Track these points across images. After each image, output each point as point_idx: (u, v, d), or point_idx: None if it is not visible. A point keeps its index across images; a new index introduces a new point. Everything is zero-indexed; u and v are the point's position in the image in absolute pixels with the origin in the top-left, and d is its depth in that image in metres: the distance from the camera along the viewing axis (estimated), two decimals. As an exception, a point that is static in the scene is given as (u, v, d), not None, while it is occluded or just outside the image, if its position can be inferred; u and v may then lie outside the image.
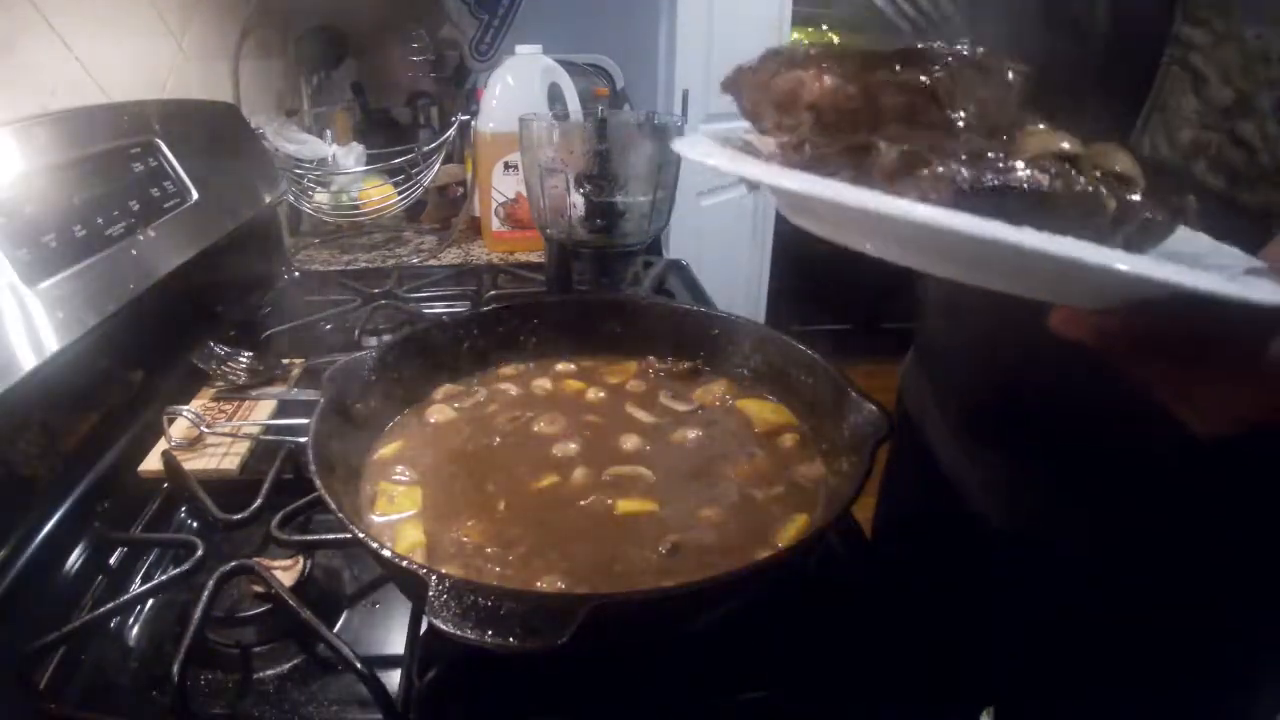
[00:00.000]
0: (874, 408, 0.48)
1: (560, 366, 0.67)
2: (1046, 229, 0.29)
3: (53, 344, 0.58)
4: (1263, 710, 0.55)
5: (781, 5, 2.35)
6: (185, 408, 0.68)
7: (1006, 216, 0.29)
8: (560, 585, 0.42)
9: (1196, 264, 0.36)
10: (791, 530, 0.47)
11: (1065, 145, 0.35)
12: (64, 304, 0.60)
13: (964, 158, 0.32)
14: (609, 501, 0.50)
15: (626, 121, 0.96)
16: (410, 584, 0.42)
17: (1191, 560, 0.51)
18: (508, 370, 0.65)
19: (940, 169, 0.31)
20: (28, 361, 0.55)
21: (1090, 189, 0.32)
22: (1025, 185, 0.31)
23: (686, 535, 0.46)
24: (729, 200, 2.26)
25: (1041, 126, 0.36)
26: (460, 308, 1.00)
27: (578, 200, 0.88)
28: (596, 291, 0.92)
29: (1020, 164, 0.32)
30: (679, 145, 0.36)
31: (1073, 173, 0.33)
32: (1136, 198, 0.34)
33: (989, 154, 0.33)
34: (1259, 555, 0.50)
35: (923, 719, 0.45)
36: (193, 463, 0.63)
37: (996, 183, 0.31)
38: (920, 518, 0.73)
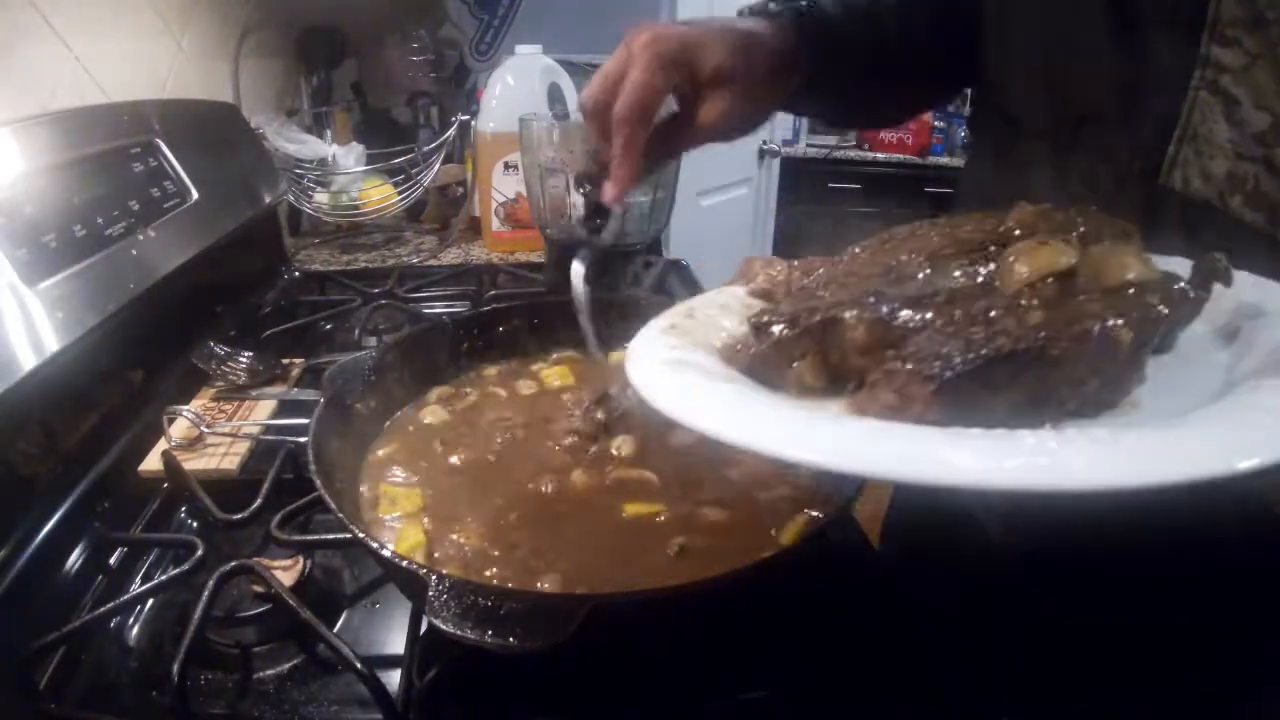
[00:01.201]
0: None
1: (560, 367, 0.67)
2: (1060, 388, 0.26)
3: (53, 344, 0.58)
4: (1267, 711, 0.55)
5: (781, 5, 2.34)
6: (185, 408, 0.68)
7: (1009, 390, 0.26)
8: (558, 586, 0.42)
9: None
10: (792, 530, 0.47)
11: (1060, 260, 0.30)
12: (64, 304, 0.60)
13: (938, 318, 0.28)
14: (609, 504, 0.50)
15: (626, 121, 0.96)
16: (410, 584, 0.42)
17: (1193, 562, 0.51)
18: (508, 370, 0.65)
19: (916, 358, 0.27)
20: (28, 361, 0.55)
21: (1097, 328, 0.27)
22: (1018, 351, 0.26)
23: (690, 538, 0.46)
24: (729, 200, 2.26)
25: (1037, 241, 0.31)
26: (460, 308, 1.00)
27: (578, 200, 0.88)
28: (597, 291, 0.91)
29: (1010, 320, 0.28)
30: (631, 372, 0.31)
31: (1074, 309, 0.28)
32: (1160, 309, 0.29)
33: (964, 294, 0.29)
34: (1262, 555, 0.50)
35: (922, 719, 0.45)
36: (193, 463, 0.63)
37: (978, 364, 0.26)
38: (927, 521, 0.73)
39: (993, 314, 0.28)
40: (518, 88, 1.16)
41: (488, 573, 0.43)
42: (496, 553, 0.45)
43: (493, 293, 1.04)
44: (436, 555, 0.45)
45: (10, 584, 0.51)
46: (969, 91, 0.68)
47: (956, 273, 0.31)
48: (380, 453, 0.55)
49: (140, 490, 0.61)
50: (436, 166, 1.31)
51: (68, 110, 0.75)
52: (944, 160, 2.84)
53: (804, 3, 0.57)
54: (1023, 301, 0.29)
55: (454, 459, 0.54)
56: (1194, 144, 0.42)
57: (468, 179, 1.35)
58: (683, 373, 0.32)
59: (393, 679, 0.43)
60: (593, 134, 0.51)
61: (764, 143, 2.39)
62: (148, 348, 0.75)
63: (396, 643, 0.47)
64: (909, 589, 0.55)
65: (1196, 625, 0.52)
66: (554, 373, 0.65)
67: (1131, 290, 0.29)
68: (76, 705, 0.44)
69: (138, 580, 0.54)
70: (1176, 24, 0.42)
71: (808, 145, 2.95)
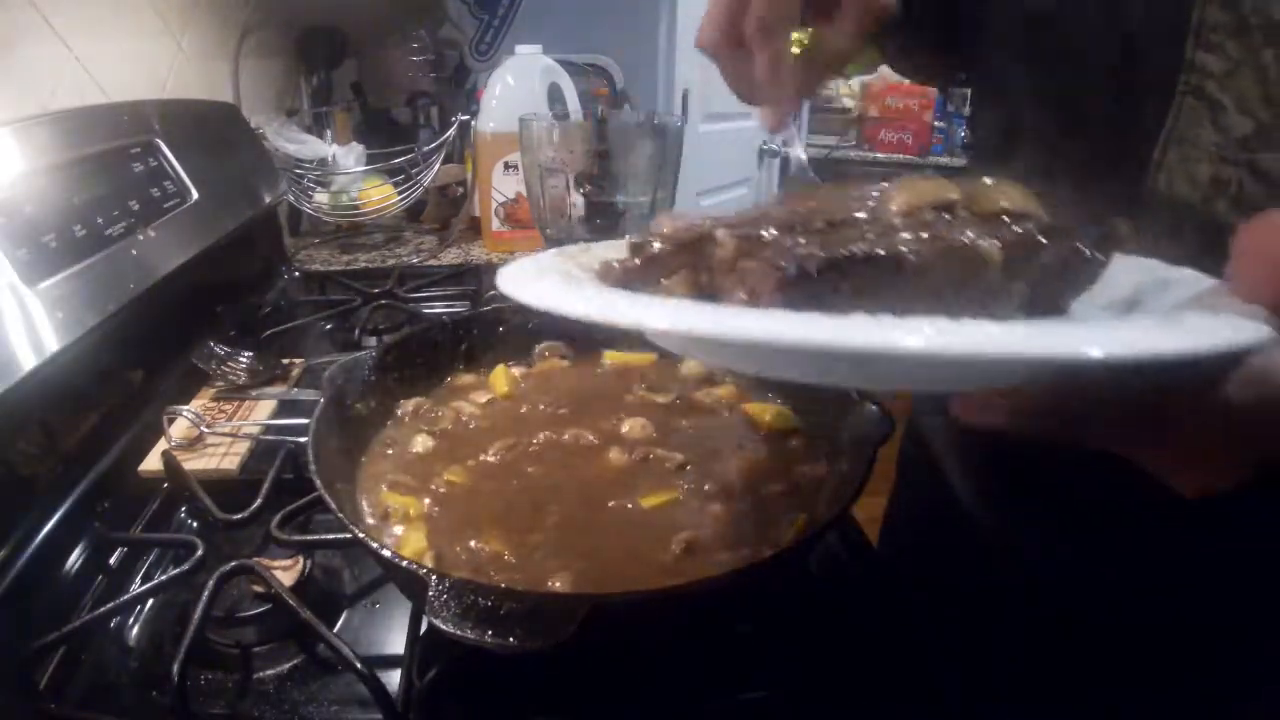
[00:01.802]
0: (875, 408, 0.48)
1: (560, 368, 0.67)
2: (919, 303, 0.25)
3: (53, 344, 0.58)
4: (1267, 712, 0.55)
5: (781, 5, 2.34)
6: (185, 408, 0.68)
7: (863, 298, 0.24)
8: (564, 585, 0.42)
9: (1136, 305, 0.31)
10: (791, 531, 0.47)
11: (945, 194, 0.30)
12: (64, 304, 0.60)
13: (807, 236, 0.27)
14: (612, 502, 0.50)
15: (626, 121, 0.96)
16: (410, 584, 0.42)
17: (1195, 566, 0.51)
18: (506, 370, 0.65)
19: (768, 256, 0.26)
20: (28, 361, 0.55)
21: (964, 241, 0.26)
22: (874, 255, 0.25)
23: (694, 535, 0.46)
24: (729, 200, 2.26)
25: (922, 177, 0.31)
26: (460, 308, 1.00)
27: (578, 200, 0.88)
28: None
29: (871, 233, 0.27)
30: (502, 281, 0.31)
31: (943, 226, 0.28)
32: (1036, 235, 0.28)
33: (843, 221, 0.28)
34: (1261, 557, 0.50)
35: (922, 719, 0.45)
36: (193, 463, 0.63)
37: (830, 260, 0.25)
38: (927, 520, 0.73)
39: (862, 231, 0.28)
40: (518, 88, 1.16)
41: (496, 574, 0.43)
42: (505, 553, 0.45)
43: (493, 293, 1.04)
44: (439, 555, 0.45)
45: (10, 584, 0.51)
46: (968, 92, 0.67)
47: (844, 208, 0.31)
48: (381, 452, 0.55)
49: (140, 490, 0.61)
50: (436, 166, 1.31)
51: (68, 110, 0.75)
52: (944, 160, 2.84)
53: None
54: (895, 222, 0.28)
55: (454, 458, 0.54)
56: (1180, 148, 0.43)
57: (468, 179, 1.35)
58: (547, 274, 0.32)
59: (393, 679, 0.43)
60: (726, 71, 0.46)
61: (764, 143, 2.39)
62: (148, 348, 0.75)
63: (396, 643, 0.47)
64: (909, 589, 0.56)
65: (1196, 625, 0.52)
66: (561, 372, 0.66)
67: (1009, 218, 0.29)
68: (76, 705, 0.44)
69: (138, 580, 0.54)
70: (1161, 28, 0.43)
71: (808, 145, 2.95)
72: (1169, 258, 0.36)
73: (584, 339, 0.68)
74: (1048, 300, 0.31)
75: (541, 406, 0.60)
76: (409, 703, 0.42)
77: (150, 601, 0.51)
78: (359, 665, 0.42)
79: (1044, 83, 0.52)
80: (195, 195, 0.85)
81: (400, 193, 1.29)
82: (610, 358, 0.68)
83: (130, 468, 0.64)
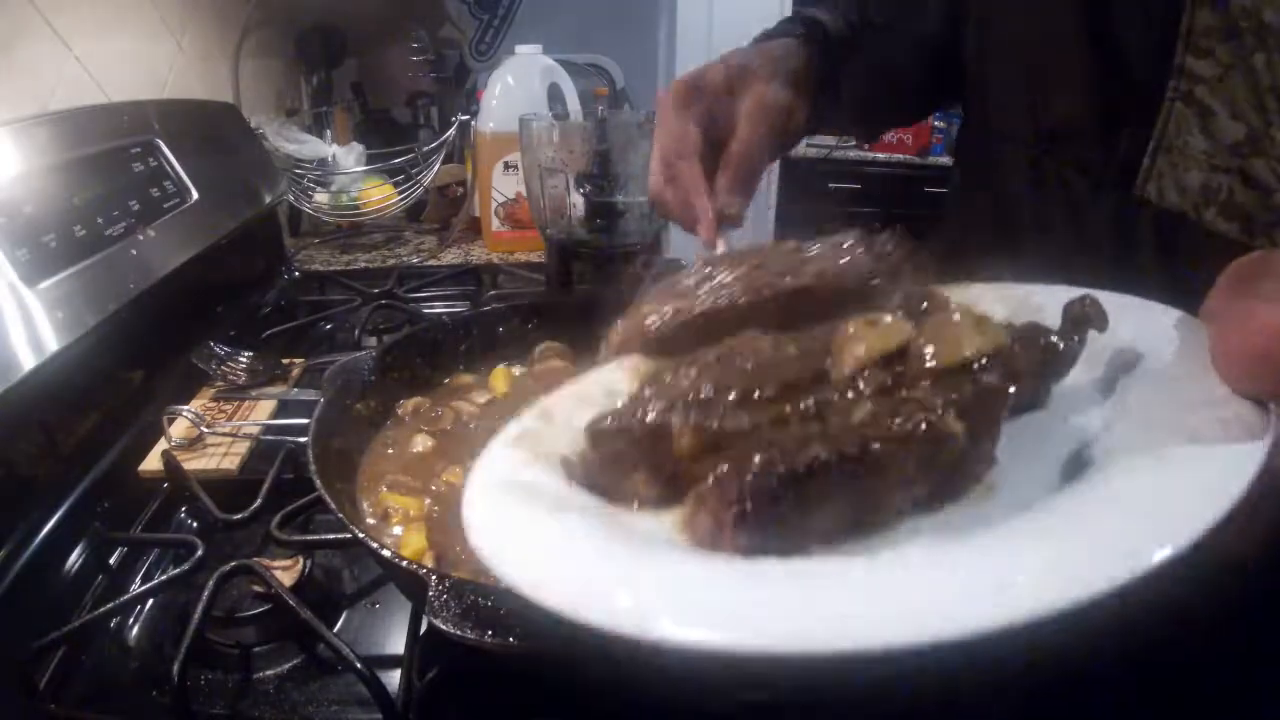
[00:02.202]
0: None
1: (559, 368, 0.67)
2: (886, 492, 0.24)
3: (53, 344, 0.58)
4: (1268, 713, 0.55)
5: (781, 5, 2.35)
6: (185, 408, 0.68)
7: (829, 499, 0.24)
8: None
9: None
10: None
11: (896, 339, 0.27)
12: (64, 304, 0.60)
13: (768, 433, 0.25)
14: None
15: (626, 121, 0.96)
16: (410, 584, 0.42)
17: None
18: (506, 370, 0.65)
19: (723, 489, 0.24)
20: (28, 361, 0.55)
21: (923, 422, 0.25)
22: (833, 461, 0.24)
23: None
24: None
25: (856, 333, 0.28)
26: (460, 308, 1.00)
27: (578, 200, 0.88)
28: (597, 291, 0.91)
29: (835, 419, 0.25)
30: (464, 503, 0.29)
31: (902, 402, 0.26)
32: (1003, 385, 0.26)
33: (792, 384, 0.27)
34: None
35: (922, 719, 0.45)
36: (193, 463, 0.63)
37: (785, 479, 0.23)
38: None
39: (819, 411, 0.26)
40: (518, 88, 1.16)
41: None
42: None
43: (493, 293, 1.04)
44: (443, 558, 0.45)
45: (10, 584, 0.51)
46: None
47: (793, 350, 0.29)
48: (380, 452, 0.55)
49: (140, 490, 0.61)
50: (436, 166, 1.31)
51: (68, 110, 0.75)
52: (944, 160, 2.83)
53: (804, 24, 0.59)
54: (850, 393, 0.27)
55: (454, 458, 0.54)
56: (1169, 155, 0.42)
57: (468, 179, 1.35)
58: (507, 501, 0.29)
59: (393, 679, 0.44)
60: (675, 211, 0.52)
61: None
62: (148, 348, 0.75)
63: (396, 643, 0.47)
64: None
65: (1195, 626, 0.52)
66: (560, 373, 0.66)
67: (967, 369, 0.27)
68: (76, 705, 0.44)
69: (138, 580, 0.54)
70: (1151, 34, 0.42)
71: (807, 145, 2.95)
72: (1163, 266, 0.35)
73: (583, 339, 0.68)
74: (1028, 399, 0.30)
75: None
76: (409, 703, 0.42)
77: (150, 601, 0.51)
78: (359, 665, 0.42)
79: (1028, 91, 0.52)
80: (195, 195, 0.85)
81: (400, 193, 1.29)
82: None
83: (130, 468, 0.64)
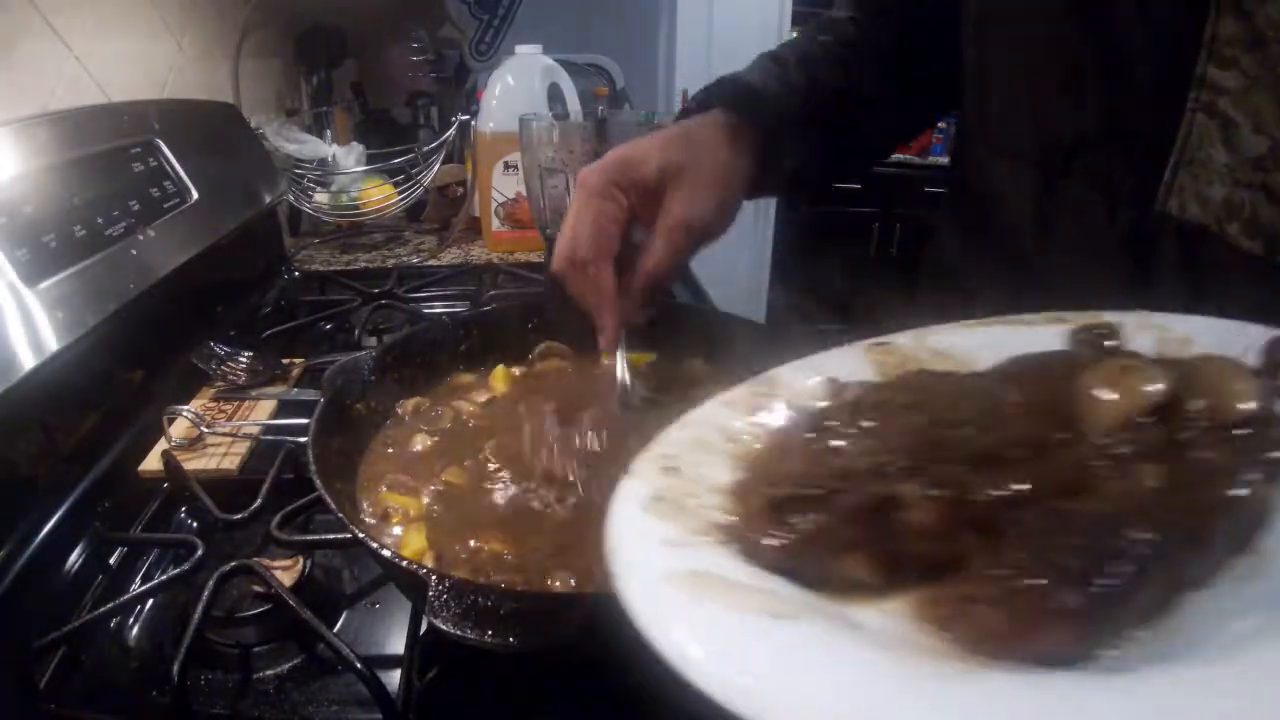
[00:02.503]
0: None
1: (559, 367, 0.67)
2: (1199, 580, 0.20)
3: (53, 344, 0.58)
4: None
5: (781, 5, 2.35)
6: (185, 408, 0.68)
7: (1138, 595, 0.19)
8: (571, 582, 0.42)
9: None
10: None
11: (1148, 388, 0.23)
12: (64, 304, 0.60)
13: (1041, 510, 0.21)
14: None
15: (626, 121, 0.96)
16: (410, 584, 0.42)
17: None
18: (506, 370, 0.65)
19: (1024, 581, 0.20)
20: (28, 361, 0.55)
21: (1240, 492, 0.21)
22: (1160, 545, 0.19)
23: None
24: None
25: (1108, 380, 0.23)
26: (460, 308, 1.00)
27: (578, 200, 0.88)
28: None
29: (1121, 484, 0.21)
30: (635, 606, 0.23)
31: (1194, 466, 0.21)
32: None
33: (1050, 445, 0.22)
34: None
35: None
36: (193, 463, 0.63)
37: (1118, 580, 0.19)
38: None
39: (1096, 473, 0.22)
40: (518, 88, 1.16)
41: (496, 574, 0.43)
42: (505, 553, 0.45)
43: (493, 293, 1.04)
44: (443, 558, 0.45)
45: (10, 584, 0.51)
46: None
47: (1011, 399, 0.25)
48: (380, 452, 0.55)
49: (140, 490, 0.61)
50: (436, 166, 1.31)
51: (68, 110, 0.75)
52: (944, 160, 2.83)
53: (726, 88, 0.56)
54: (1123, 451, 0.22)
55: (454, 457, 0.54)
56: (1190, 169, 0.41)
57: (468, 179, 1.35)
58: (703, 602, 0.23)
59: (393, 679, 0.44)
60: (576, 296, 0.52)
61: (764, 143, 2.39)
62: (148, 348, 0.75)
63: (396, 643, 0.47)
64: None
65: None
66: (560, 373, 0.66)
67: (1251, 425, 0.23)
68: (76, 705, 0.44)
69: (138, 580, 0.54)
70: (1167, 44, 0.41)
71: (808, 145, 2.95)
72: (1185, 282, 0.32)
73: (583, 339, 0.68)
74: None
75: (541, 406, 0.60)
76: (409, 703, 0.42)
77: (150, 601, 0.51)
78: (359, 665, 0.42)
79: (1036, 109, 0.51)
80: (195, 195, 0.85)
81: (400, 193, 1.29)
82: (609, 358, 0.68)
83: (130, 468, 0.64)
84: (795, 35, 0.56)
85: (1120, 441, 0.23)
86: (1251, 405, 0.23)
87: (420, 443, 0.56)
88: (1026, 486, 0.22)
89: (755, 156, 0.55)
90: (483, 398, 0.61)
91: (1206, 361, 0.25)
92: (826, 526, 0.23)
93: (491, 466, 0.53)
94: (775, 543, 0.24)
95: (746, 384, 0.35)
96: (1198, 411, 0.23)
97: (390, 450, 0.55)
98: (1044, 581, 0.19)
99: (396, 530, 0.47)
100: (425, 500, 0.50)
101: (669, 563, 0.24)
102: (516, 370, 0.66)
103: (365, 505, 0.50)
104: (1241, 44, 0.38)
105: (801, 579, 0.24)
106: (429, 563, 0.43)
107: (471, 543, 0.45)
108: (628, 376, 0.53)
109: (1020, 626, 0.19)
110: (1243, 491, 0.21)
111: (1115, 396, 0.23)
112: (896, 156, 2.89)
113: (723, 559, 0.25)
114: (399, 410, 0.59)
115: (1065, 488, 0.22)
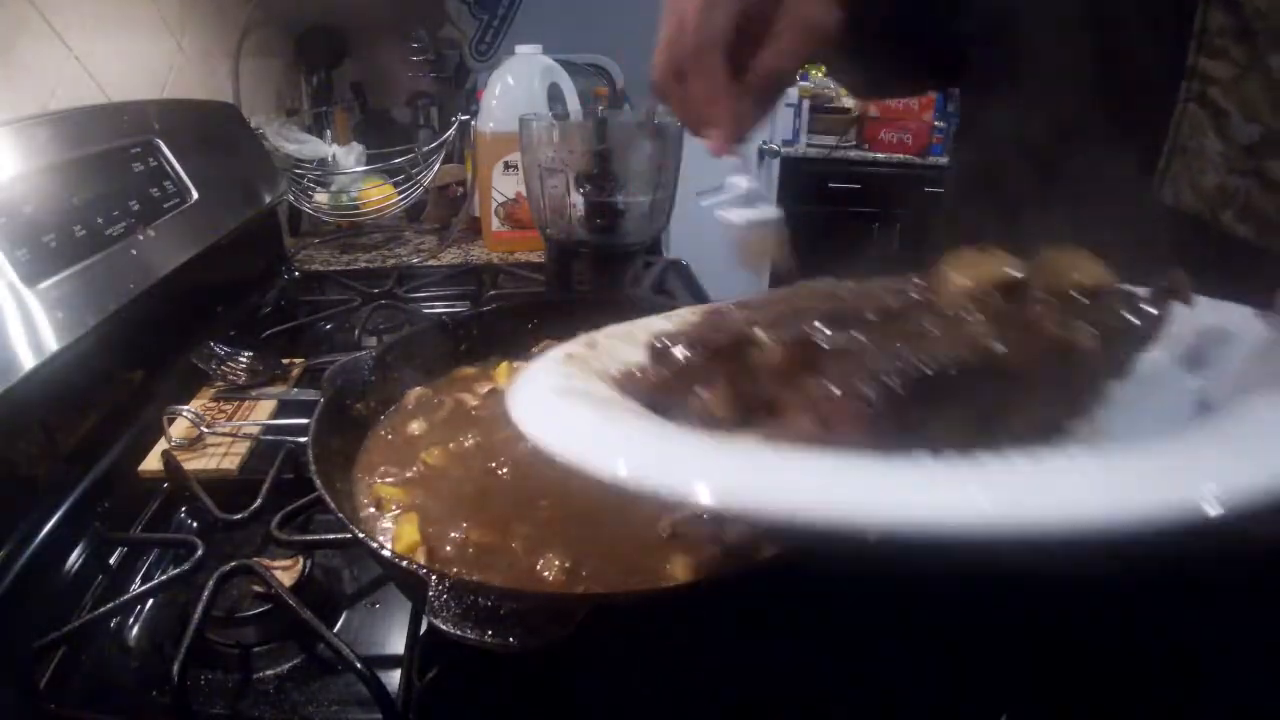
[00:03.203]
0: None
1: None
2: (1014, 412, 0.22)
3: (53, 344, 0.58)
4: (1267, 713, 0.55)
5: (781, 5, 2.35)
6: (185, 408, 0.68)
7: (952, 410, 0.22)
8: (563, 568, 0.42)
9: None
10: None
11: (1009, 272, 0.26)
12: (64, 304, 0.60)
13: (869, 337, 0.24)
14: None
15: (626, 121, 0.96)
16: (410, 584, 0.42)
17: (1191, 577, 0.51)
18: (509, 366, 0.65)
19: (842, 375, 0.22)
20: (28, 361, 0.55)
21: (1059, 333, 0.23)
22: (966, 363, 0.22)
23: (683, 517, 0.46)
24: (729, 199, 2.25)
25: (974, 253, 0.27)
26: (460, 308, 1.00)
27: (578, 200, 0.88)
28: (596, 291, 0.92)
29: (953, 333, 0.23)
30: (520, 418, 0.26)
31: (1029, 319, 0.24)
32: (1125, 314, 0.25)
33: (899, 312, 0.25)
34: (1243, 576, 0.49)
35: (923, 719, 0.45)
36: (193, 463, 0.63)
37: (922, 374, 0.21)
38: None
39: (931, 330, 0.24)
40: (518, 88, 1.16)
41: (487, 564, 0.43)
42: (496, 539, 0.45)
43: (493, 293, 1.04)
44: (434, 550, 0.45)
45: (10, 584, 0.51)
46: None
47: (881, 286, 0.28)
48: (379, 451, 0.55)
49: (140, 490, 0.61)
50: (436, 166, 1.31)
51: (68, 110, 0.75)
52: (944, 160, 2.83)
53: None
54: (965, 315, 0.25)
55: (453, 456, 0.54)
56: (1184, 157, 0.42)
57: (468, 179, 1.35)
58: (568, 400, 0.27)
59: (393, 679, 0.43)
60: (675, 106, 0.46)
61: (764, 143, 2.39)
62: (148, 348, 0.75)
63: (396, 643, 0.47)
64: (909, 588, 0.55)
65: (1194, 628, 0.52)
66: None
67: (1092, 297, 0.26)
68: (76, 705, 0.44)
69: (138, 580, 0.54)
70: (1162, 35, 0.42)
71: (808, 145, 2.95)
72: (1211, 289, 0.33)
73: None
74: (1115, 370, 0.28)
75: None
76: (409, 703, 0.42)
77: (150, 601, 0.51)
78: (359, 665, 0.42)
79: (1036, 94, 0.52)
80: (195, 195, 0.85)
81: (400, 193, 1.29)
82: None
83: (130, 468, 0.64)
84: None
85: (965, 310, 0.25)
86: (1090, 281, 0.25)
87: (416, 428, 0.55)
88: (862, 337, 0.24)
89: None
90: (484, 389, 0.62)
91: (1059, 252, 0.28)
92: (692, 363, 0.26)
93: (489, 455, 0.53)
94: (648, 377, 0.28)
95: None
96: (1041, 287, 0.26)
97: (390, 437, 0.55)
98: (839, 392, 0.22)
99: (390, 524, 0.47)
100: (419, 490, 0.50)
101: (555, 383, 0.28)
102: (520, 365, 0.66)
103: (361, 498, 0.50)
104: (1231, 34, 0.39)
105: (671, 416, 0.27)
106: (421, 557, 0.43)
107: (463, 532, 0.45)
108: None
109: (820, 429, 0.22)
110: (1062, 336, 0.23)
111: (967, 273, 0.26)
112: (896, 156, 2.89)
113: (603, 389, 0.28)
114: (403, 400, 0.59)
115: (900, 339, 0.24)
